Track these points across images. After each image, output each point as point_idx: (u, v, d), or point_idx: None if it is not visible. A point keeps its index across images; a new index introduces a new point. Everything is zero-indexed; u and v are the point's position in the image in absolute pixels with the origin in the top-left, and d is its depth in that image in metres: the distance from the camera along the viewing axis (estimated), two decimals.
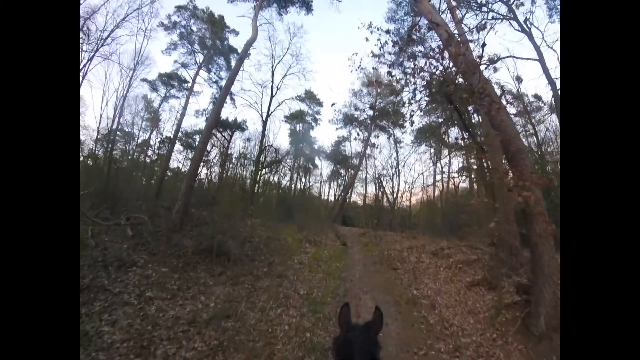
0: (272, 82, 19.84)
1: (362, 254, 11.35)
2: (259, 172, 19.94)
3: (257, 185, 21.33)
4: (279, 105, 20.63)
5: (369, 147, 24.79)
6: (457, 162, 21.78)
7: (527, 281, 5.99)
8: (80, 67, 12.95)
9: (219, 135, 22.12)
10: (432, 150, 22.81)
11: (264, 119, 19.39)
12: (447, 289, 6.76)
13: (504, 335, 4.85)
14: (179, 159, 22.16)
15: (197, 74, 18.86)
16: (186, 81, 20.02)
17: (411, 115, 4.98)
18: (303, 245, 10.99)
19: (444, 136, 21.23)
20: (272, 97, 19.74)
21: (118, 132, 21.33)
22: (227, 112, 22.20)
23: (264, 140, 19.54)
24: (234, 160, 23.05)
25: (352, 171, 25.63)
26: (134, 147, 22.12)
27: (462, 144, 18.32)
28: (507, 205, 7.27)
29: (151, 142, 22.58)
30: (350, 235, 15.28)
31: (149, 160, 22.48)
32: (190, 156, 23.36)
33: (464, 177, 21.14)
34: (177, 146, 20.72)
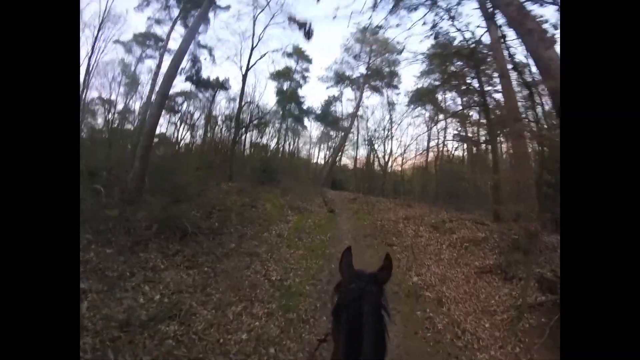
0: (254, 32, 17.17)
1: (351, 223, 10.18)
2: (240, 131, 17.96)
3: (241, 146, 20.06)
4: (262, 57, 18.12)
5: (360, 107, 23.03)
6: (453, 128, 20.03)
7: (552, 275, 4.86)
8: None
9: (200, 95, 20.42)
10: (427, 114, 20.92)
11: (244, 73, 17.06)
12: (454, 275, 5.63)
13: (529, 349, 3.76)
14: (160, 124, 20.17)
15: (171, 29, 16.56)
16: (162, 39, 17.79)
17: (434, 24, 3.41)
18: (284, 212, 9.66)
19: (440, 101, 19.25)
20: (252, 48, 17.22)
21: (96, 100, 19.86)
22: (208, 71, 20.06)
23: (243, 95, 17.29)
24: (219, 122, 21.24)
25: (342, 133, 23.85)
26: (114, 115, 20.28)
27: (474, 100, 15.52)
28: (529, 177, 6.02)
29: (132, 108, 20.75)
30: (339, 201, 14.04)
31: (131, 128, 20.40)
32: (174, 120, 21.96)
33: (458, 144, 19.57)
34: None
